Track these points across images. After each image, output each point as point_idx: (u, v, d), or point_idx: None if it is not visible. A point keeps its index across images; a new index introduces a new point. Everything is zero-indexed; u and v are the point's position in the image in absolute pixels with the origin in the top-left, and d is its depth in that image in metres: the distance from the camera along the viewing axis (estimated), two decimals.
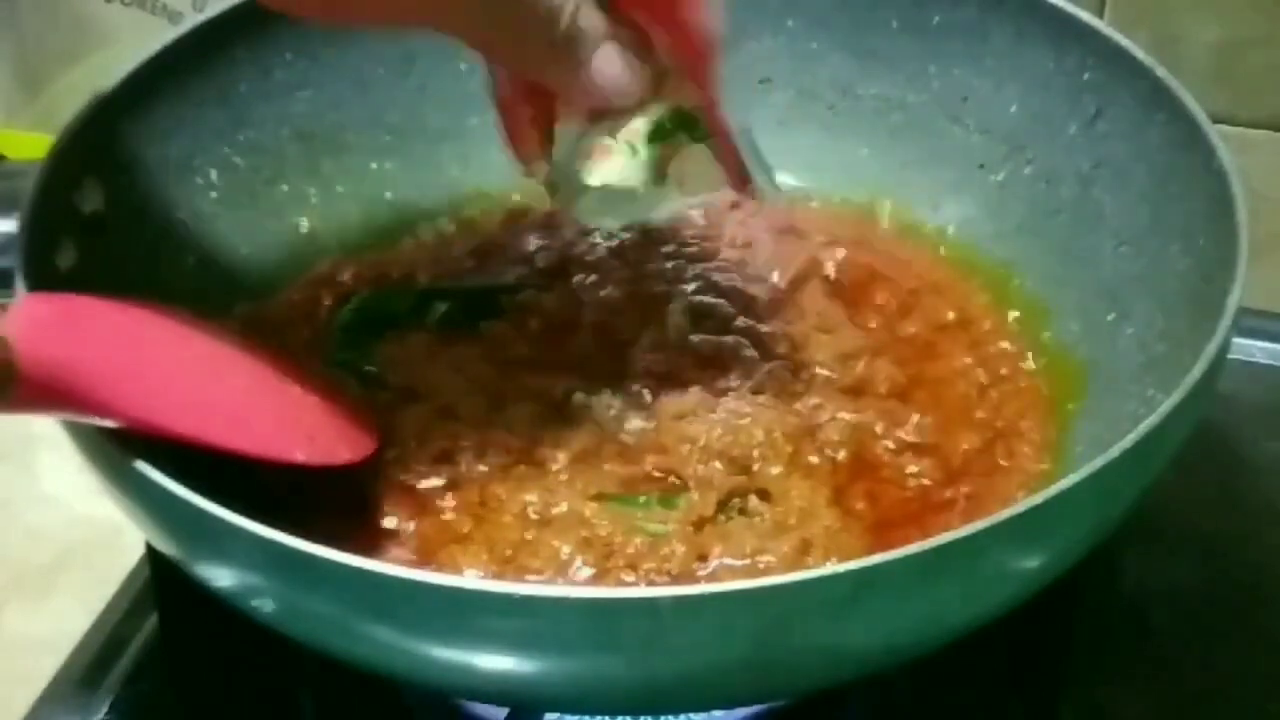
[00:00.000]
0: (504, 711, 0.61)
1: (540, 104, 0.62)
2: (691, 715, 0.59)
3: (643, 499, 0.62)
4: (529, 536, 0.60)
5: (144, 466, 0.52)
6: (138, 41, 0.70)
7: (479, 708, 0.62)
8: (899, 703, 0.61)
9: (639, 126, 0.61)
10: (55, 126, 0.64)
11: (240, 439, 0.57)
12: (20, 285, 0.58)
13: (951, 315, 0.71)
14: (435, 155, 0.78)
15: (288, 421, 0.61)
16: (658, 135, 0.61)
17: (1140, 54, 0.68)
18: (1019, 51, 0.73)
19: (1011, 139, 0.74)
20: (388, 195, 0.77)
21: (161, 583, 0.66)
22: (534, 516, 0.61)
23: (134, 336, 0.58)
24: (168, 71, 0.69)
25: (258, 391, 0.62)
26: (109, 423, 0.54)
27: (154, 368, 0.57)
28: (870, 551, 0.57)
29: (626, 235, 0.74)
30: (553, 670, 0.51)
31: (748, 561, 0.59)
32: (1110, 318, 0.67)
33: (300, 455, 0.59)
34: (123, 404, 0.54)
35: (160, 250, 0.68)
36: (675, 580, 0.59)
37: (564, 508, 0.61)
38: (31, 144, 0.82)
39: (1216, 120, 0.64)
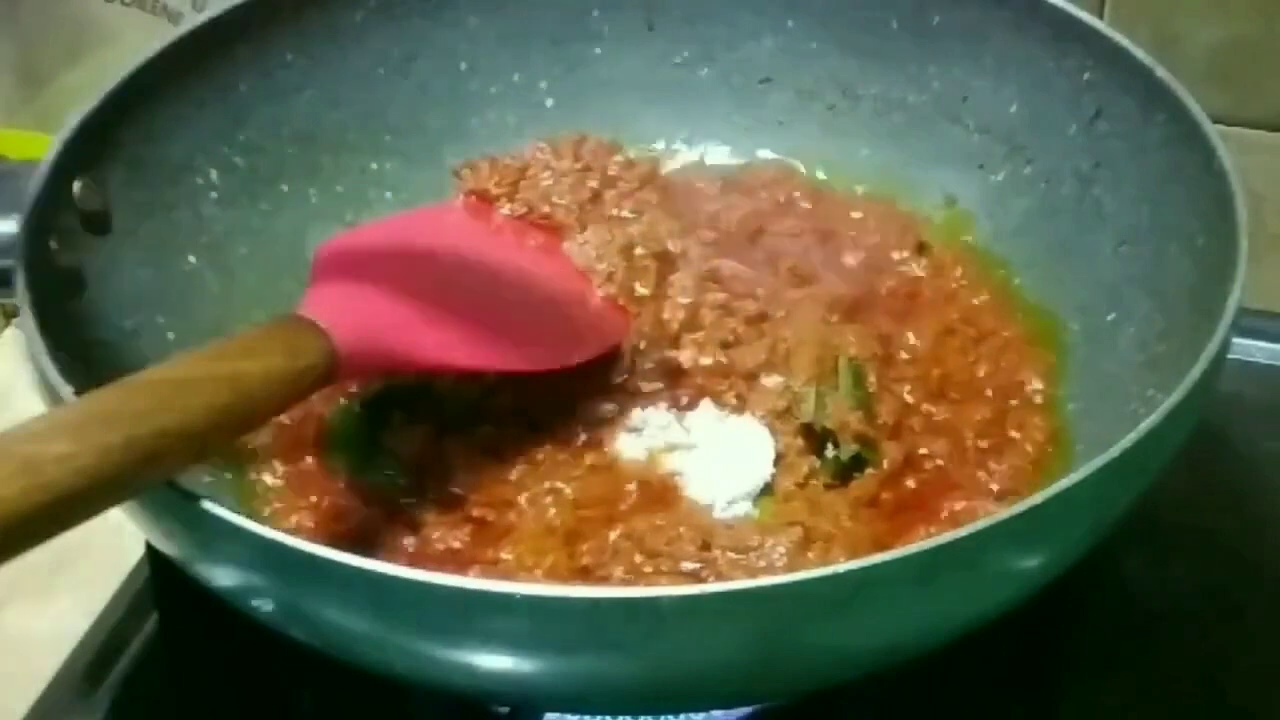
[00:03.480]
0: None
1: None
2: (691, 715, 0.59)
3: None
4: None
5: None
6: (138, 41, 0.70)
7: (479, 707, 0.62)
8: (899, 703, 0.61)
9: None
10: (55, 126, 0.64)
11: (521, 360, 0.64)
12: (20, 285, 0.58)
13: (955, 316, 0.72)
14: (435, 155, 0.78)
15: (561, 327, 0.67)
16: None
17: (1140, 54, 0.68)
18: (1019, 52, 0.73)
19: (1011, 139, 0.75)
20: (388, 195, 0.77)
21: (161, 583, 0.66)
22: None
23: (413, 281, 0.64)
24: (168, 71, 0.69)
25: (528, 305, 0.68)
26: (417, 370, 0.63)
27: (439, 308, 0.63)
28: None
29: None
30: (553, 670, 0.51)
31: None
32: (1110, 318, 0.67)
33: (576, 357, 0.65)
34: (425, 353, 0.61)
35: (160, 250, 0.68)
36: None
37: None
38: (31, 144, 0.82)
39: (1216, 120, 0.64)
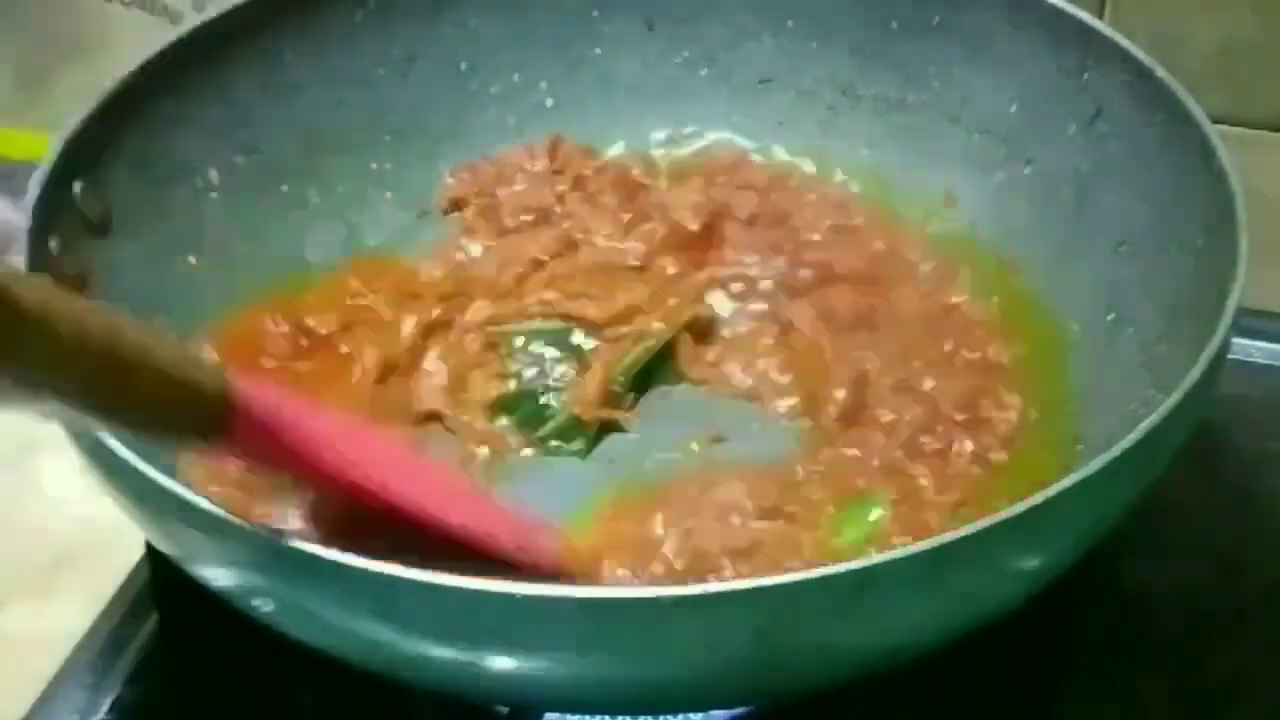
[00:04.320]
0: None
1: None
2: (691, 715, 0.59)
3: None
4: None
5: (144, 466, 0.52)
6: (138, 41, 0.70)
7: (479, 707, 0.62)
8: (899, 703, 0.61)
9: None
10: (55, 126, 0.64)
11: (459, 518, 0.57)
12: None
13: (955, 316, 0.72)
14: (435, 155, 0.78)
15: (491, 520, 0.60)
16: None
17: (1140, 54, 0.68)
18: (1019, 51, 0.73)
19: (1011, 139, 0.74)
20: (387, 195, 0.77)
21: (161, 583, 0.66)
22: None
23: (329, 421, 0.59)
24: (168, 71, 0.69)
25: (458, 492, 0.63)
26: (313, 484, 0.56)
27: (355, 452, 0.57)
28: None
29: None
30: (553, 670, 0.51)
31: None
32: (1110, 318, 0.67)
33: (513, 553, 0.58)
34: (332, 460, 0.55)
35: (160, 250, 0.68)
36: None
37: None
38: (31, 144, 0.82)
39: (1216, 120, 0.64)
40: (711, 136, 0.80)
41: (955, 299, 0.72)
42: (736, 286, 0.73)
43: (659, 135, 0.80)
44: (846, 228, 0.75)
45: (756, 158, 0.79)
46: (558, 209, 0.76)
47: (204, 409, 0.51)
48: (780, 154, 0.79)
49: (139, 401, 0.49)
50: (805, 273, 0.73)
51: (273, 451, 0.54)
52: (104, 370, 0.47)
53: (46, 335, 0.45)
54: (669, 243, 0.74)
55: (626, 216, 0.75)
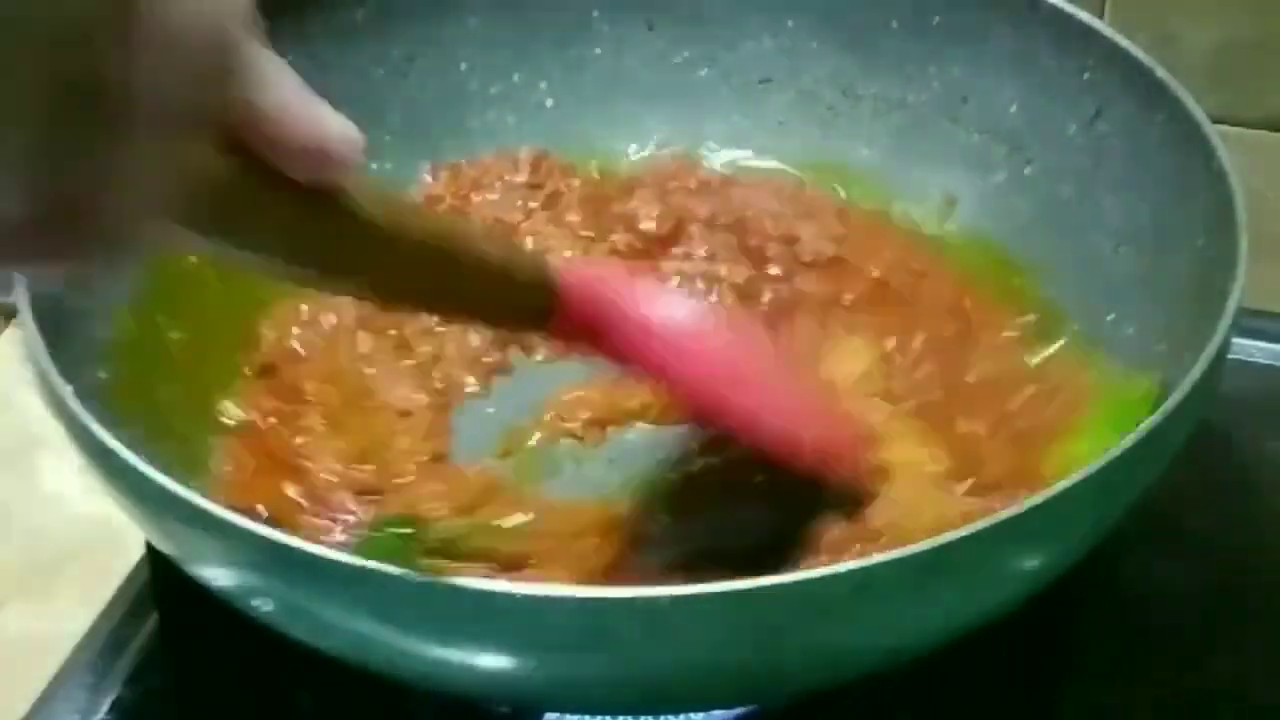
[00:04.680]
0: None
1: None
2: (691, 715, 0.59)
3: None
4: None
5: (144, 466, 0.52)
6: None
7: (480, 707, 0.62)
8: (899, 703, 0.61)
9: None
10: None
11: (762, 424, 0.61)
12: (20, 284, 0.58)
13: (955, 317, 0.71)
14: (435, 155, 0.78)
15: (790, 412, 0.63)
16: None
17: (1140, 54, 0.68)
18: (1019, 51, 0.73)
19: (1011, 139, 0.74)
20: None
21: (161, 583, 0.66)
22: None
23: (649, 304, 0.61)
24: None
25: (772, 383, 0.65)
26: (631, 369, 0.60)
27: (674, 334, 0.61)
28: None
29: None
30: (553, 670, 0.51)
31: None
32: (1110, 318, 0.67)
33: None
34: (649, 354, 0.59)
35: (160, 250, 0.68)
36: None
37: None
38: None
39: (1216, 120, 0.64)
40: (712, 137, 0.80)
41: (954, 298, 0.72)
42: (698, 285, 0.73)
43: (659, 135, 0.80)
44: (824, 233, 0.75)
45: (756, 162, 0.79)
46: (524, 224, 0.75)
47: (532, 301, 0.56)
48: (771, 160, 0.79)
49: (477, 298, 0.54)
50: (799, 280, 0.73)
51: (593, 337, 0.58)
52: (442, 273, 0.52)
53: (393, 246, 0.49)
54: (629, 253, 0.74)
55: (589, 234, 0.75)
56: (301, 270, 0.48)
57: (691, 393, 0.62)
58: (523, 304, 0.56)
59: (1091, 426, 0.64)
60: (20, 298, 0.57)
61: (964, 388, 0.68)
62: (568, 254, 0.74)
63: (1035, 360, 0.69)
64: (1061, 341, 0.69)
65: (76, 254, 0.37)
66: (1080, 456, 0.58)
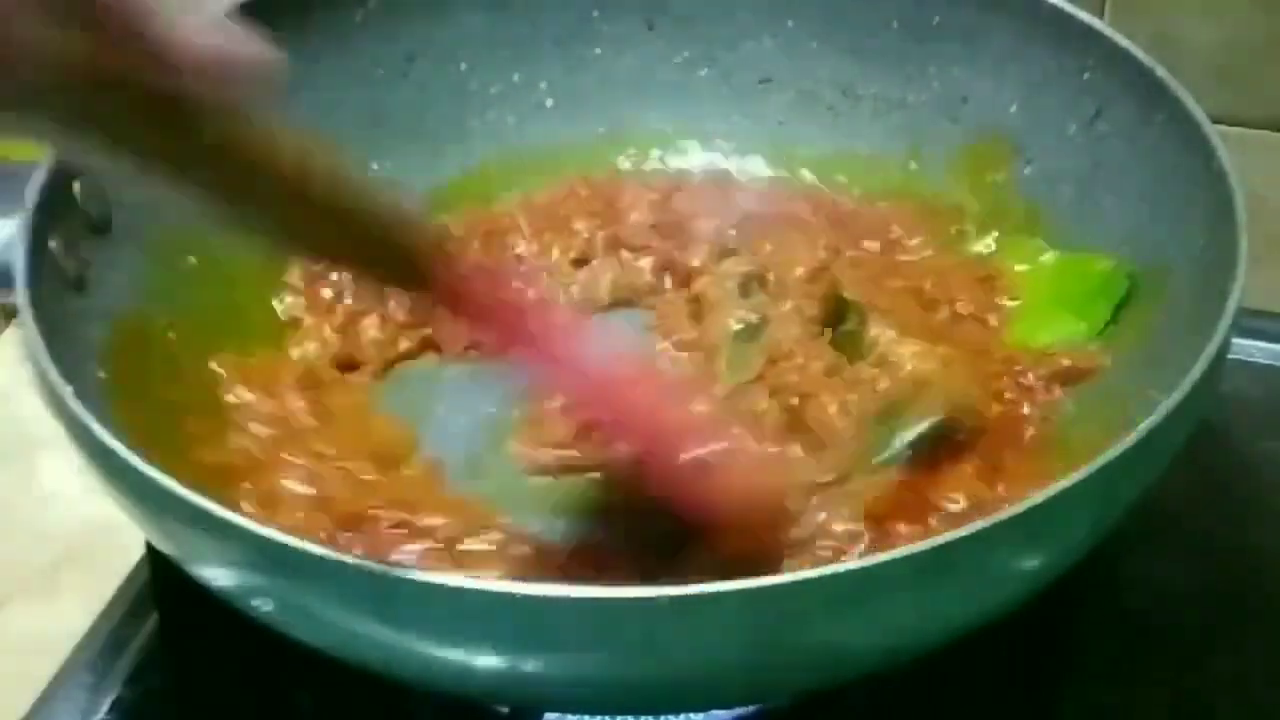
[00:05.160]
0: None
1: None
2: (691, 715, 0.59)
3: None
4: None
5: (144, 466, 0.52)
6: None
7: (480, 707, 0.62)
8: (899, 703, 0.61)
9: None
10: None
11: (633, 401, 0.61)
12: (20, 285, 0.58)
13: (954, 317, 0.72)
14: (435, 155, 0.78)
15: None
16: None
17: (1140, 54, 0.68)
18: (1019, 51, 0.73)
19: (1012, 139, 0.74)
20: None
21: (161, 583, 0.66)
22: None
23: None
24: None
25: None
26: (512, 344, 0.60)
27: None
28: None
29: None
30: (553, 670, 0.51)
31: None
32: (1110, 318, 0.67)
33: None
34: (530, 332, 0.59)
35: (160, 250, 0.68)
36: None
37: None
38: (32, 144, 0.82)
39: (1216, 120, 0.64)
40: (712, 137, 0.80)
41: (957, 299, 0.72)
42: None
43: (659, 135, 0.80)
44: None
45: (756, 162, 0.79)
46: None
47: (413, 262, 0.55)
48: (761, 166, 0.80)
49: (359, 245, 0.54)
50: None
51: (468, 311, 0.59)
52: (329, 218, 0.52)
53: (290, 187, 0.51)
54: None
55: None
56: (189, 187, 0.49)
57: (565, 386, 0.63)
58: (404, 259, 0.55)
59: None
60: (20, 298, 0.58)
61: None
62: (572, 254, 0.74)
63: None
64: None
65: None
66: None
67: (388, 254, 0.55)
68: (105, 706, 0.64)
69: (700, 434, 0.61)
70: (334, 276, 0.71)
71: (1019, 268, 0.72)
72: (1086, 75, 0.71)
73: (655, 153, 0.80)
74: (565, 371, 0.61)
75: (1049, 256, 0.72)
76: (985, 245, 0.74)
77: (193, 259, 0.69)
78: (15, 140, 0.47)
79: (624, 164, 0.79)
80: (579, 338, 0.63)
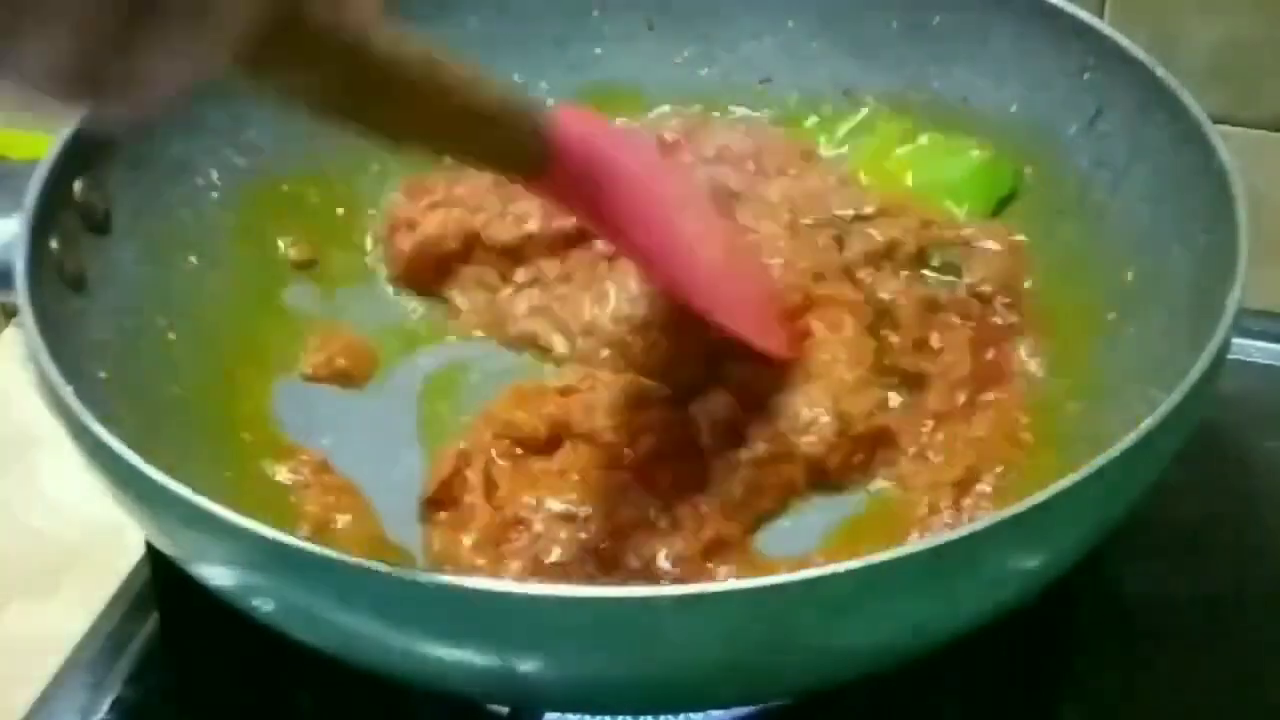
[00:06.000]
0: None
1: None
2: (691, 715, 0.59)
3: None
4: None
5: (144, 466, 0.52)
6: None
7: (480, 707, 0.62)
8: (899, 703, 0.61)
9: None
10: (55, 126, 0.64)
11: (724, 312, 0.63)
12: (20, 285, 0.58)
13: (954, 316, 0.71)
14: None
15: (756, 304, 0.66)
16: None
17: (1140, 54, 0.68)
18: (1019, 51, 0.73)
19: (1012, 139, 0.74)
20: (389, 195, 0.77)
21: (161, 583, 0.66)
22: None
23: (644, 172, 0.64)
24: None
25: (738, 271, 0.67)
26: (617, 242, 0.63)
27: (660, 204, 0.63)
28: None
29: None
30: (553, 670, 0.51)
31: None
32: (1110, 317, 0.67)
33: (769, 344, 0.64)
34: (632, 228, 0.61)
35: (160, 250, 0.68)
36: None
37: None
38: (31, 144, 0.82)
39: (1216, 120, 0.64)
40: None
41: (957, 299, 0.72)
42: None
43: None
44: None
45: None
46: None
47: (530, 151, 0.57)
48: None
49: (479, 138, 0.56)
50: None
51: (579, 199, 0.60)
52: (447, 111, 0.53)
53: (398, 80, 0.51)
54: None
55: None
56: (319, 107, 0.51)
57: (666, 257, 0.63)
58: (520, 148, 0.57)
59: None
60: (20, 298, 0.58)
61: None
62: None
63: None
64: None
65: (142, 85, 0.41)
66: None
67: (503, 142, 0.56)
68: (105, 706, 0.64)
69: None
70: None
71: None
72: (1086, 75, 0.71)
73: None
74: (666, 264, 0.63)
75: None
76: None
77: (193, 259, 0.70)
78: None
79: None
80: (681, 222, 0.64)
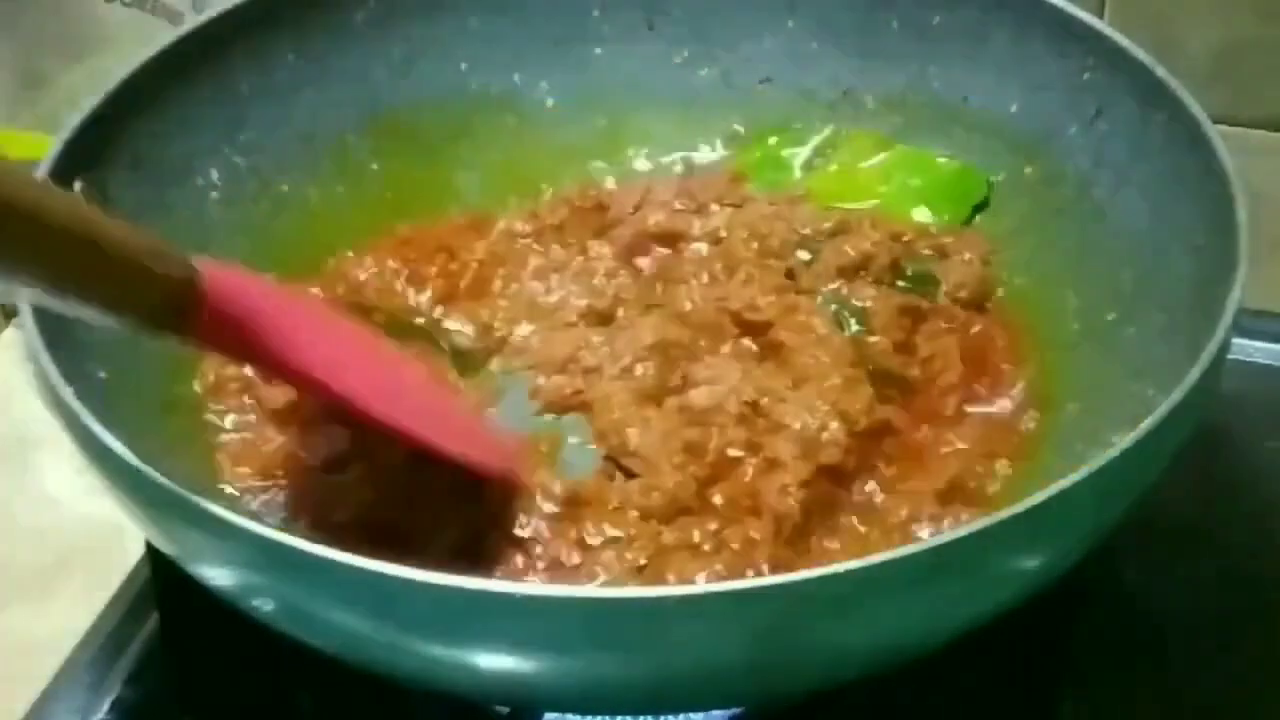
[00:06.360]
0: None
1: None
2: (691, 715, 0.59)
3: None
4: None
5: (144, 466, 0.52)
6: (138, 42, 0.70)
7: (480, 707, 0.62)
8: (899, 703, 0.61)
9: None
10: (55, 126, 0.64)
11: (409, 422, 0.59)
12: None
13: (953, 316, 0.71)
14: (435, 155, 0.78)
15: (450, 421, 0.63)
16: None
17: (1140, 54, 0.68)
18: (1019, 51, 0.73)
19: (1011, 139, 0.74)
20: (388, 195, 0.77)
21: (161, 583, 0.66)
22: None
23: (302, 312, 0.60)
24: (168, 72, 0.69)
25: (425, 388, 0.65)
26: (282, 378, 0.58)
27: (327, 340, 0.60)
28: None
29: None
30: (553, 670, 0.51)
31: None
32: (1110, 318, 0.67)
33: (461, 455, 0.60)
34: (299, 356, 0.56)
35: None
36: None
37: None
38: (31, 144, 0.82)
39: (1216, 120, 0.64)
40: (712, 137, 0.80)
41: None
42: None
43: (658, 135, 0.80)
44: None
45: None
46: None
47: (171, 294, 0.52)
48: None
49: (107, 281, 0.50)
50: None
51: (239, 342, 0.55)
52: (74, 248, 0.48)
53: (24, 211, 0.46)
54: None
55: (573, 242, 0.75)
56: None
57: (334, 396, 0.60)
58: (163, 293, 0.52)
59: None
60: (20, 297, 0.58)
61: None
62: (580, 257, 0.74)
63: None
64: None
65: None
66: None
67: (148, 291, 0.51)
68: (105, 706, 0.64)
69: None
70: None
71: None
72: (1086, 75, 0.71)
73: (655, 152, 0.80)
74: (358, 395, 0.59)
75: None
76: None
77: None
78: None
79: (623, 164, 0.79)
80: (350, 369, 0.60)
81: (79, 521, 0.72)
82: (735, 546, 0.60)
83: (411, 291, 0.72)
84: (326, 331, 0.61)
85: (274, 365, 0.57)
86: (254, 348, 0.55)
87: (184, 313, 0.52)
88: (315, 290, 0.71)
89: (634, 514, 0.61)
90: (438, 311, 0.71)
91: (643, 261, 0.73)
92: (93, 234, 0.49)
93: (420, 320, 0.71)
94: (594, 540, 0.60)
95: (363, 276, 0.72)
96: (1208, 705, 0.64)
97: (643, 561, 0.59)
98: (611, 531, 0.60)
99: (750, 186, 0.77)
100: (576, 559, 0.60)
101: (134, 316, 0.52)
